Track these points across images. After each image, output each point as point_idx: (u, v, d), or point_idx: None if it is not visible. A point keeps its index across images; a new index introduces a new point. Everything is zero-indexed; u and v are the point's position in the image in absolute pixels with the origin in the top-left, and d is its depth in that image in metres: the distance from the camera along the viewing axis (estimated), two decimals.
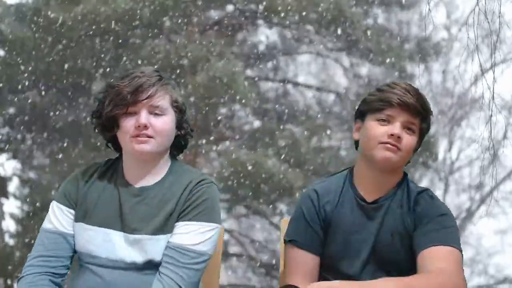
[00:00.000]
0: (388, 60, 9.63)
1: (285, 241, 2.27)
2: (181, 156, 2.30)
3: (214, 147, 9.70)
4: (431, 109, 2.23)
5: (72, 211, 2.16)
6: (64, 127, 9.37)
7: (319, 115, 10.16)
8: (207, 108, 8.93)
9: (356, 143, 2.29)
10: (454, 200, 12.52)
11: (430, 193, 2.27)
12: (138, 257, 2.08)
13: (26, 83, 9.08)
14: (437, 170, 12.57)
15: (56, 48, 8.86)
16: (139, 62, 8.73)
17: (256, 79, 10.28)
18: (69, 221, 2.16)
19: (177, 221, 2.10)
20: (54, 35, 8.80)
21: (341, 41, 9.80)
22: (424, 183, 10.85)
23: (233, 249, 10.81)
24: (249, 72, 10.21)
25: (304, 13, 9.25)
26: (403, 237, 2.19)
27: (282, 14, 9.33)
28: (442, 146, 12.30)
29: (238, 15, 10.18)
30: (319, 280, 2.20)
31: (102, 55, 8.99)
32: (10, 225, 10.08)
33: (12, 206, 10.05)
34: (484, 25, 4.60)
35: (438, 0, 10.98)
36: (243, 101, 9.03)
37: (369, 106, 2.19)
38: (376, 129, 2.14)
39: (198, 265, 2.07)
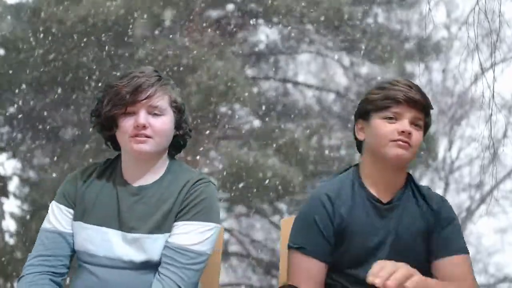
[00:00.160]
0: (388, 59, 9.62)
1: (289, 247, 2.20)
2: (182, 154, 2.30)
3: (214, 147, 9.70)
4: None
5: (71, 211, 2.17)
6: (64, 127, 9.37)
7: (319, 115, 10.15)
8: (206, 108, 8.93)
9: (358, 143, 2.26)
10: (454, 199, 12.51)
11: (433, 191, 2.29)
12: (135, 256, 2.08)
13: (26, 83, 9.08)
14: (437, 169, 12.56)
15: (56, 48, 8.86)
16: (139, 62, 8.72)
17: (256, 78, 10.28)
18: (68, 220, 2.17)
19: (175, 220, 2.10)
20: (54, 34, 8.80)
21: (341, 40, 9.80)
22: (424, 182, 10.82)
23: (233, 248, 10.81)
24: (249, 71, 10.21)
25: (304, 12, 9.25)
26: (424, 236, 2.19)
27: (282, 13, 9.32)
28: (442, 145, 12.29)
29: (238, 14, 10.18)
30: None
31: (102, 55, 8.98)
32: (10, 224, 10.07)
33: (12, 205, 10.05)
34: (484, 24, 4.60)
35: None
36: (243, 100, 9.03)
37: (374, 105, 2.17)
38: (385, 127, 2.13)
39: (197, 266, 2.08)
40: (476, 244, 12.91)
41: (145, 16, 8.77)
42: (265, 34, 10.61)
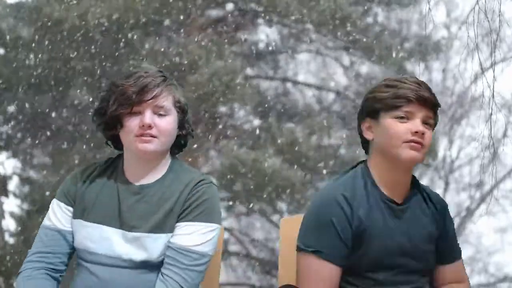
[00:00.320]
0: (388, 59, 9.62)
1: (300, 250, 2.10)
2: (181, 153, 2.31)
3: (214, 146, 9.70)
4: None
5: (71, 209, 2.18)
6: (64, 126, 9.37)
7: (319, 114, 10.15)
8: (206, 107, 8.93)
9: (365, 142, 2.21)
10: (454, 199, 12.51)
11: (433, 191, 2.28)
12: (135, 255, 2.09)
13: (26, 82, 9.08)
14: (437, 169, 12.57)
15: (55, 47, 8.86)
16: (138, 61, 8.72)
17: (256, 77, 10.28)
18: (67, 218, 2.18)
19: (177, 221, 2.10)
20: (54, 34, 8.79)
21: (341, 39, 9.79)
22: (424, 182, 10.79)
23: (233, 247, 10.81)
24: (248, 70, 10.20)
25: (304, 12, 9.24)
26: (433, 238, 2.18)
27: (282, 13, 9.32)
28: (442, 145, 12.30)
29: (238, 13, 10.18)
30: None
31: (102, 55, 8.99)
32: (10, 224, 10.08)
33: (12, 204, 10.05)
34: (484, 23, 4.60)
35: None
36: (243, 99, 9.03)
37: (383, 104, 2.10)
38: (397, 127, 2.07)
39: (200, 267, 2.08)
40: (476, 243, 12.91)
41: (144, 15, 8.77)
42: (265, 34, 10.62)
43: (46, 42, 8.89)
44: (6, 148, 9.90)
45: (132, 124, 2.08)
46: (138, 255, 2.09)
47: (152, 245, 2.08)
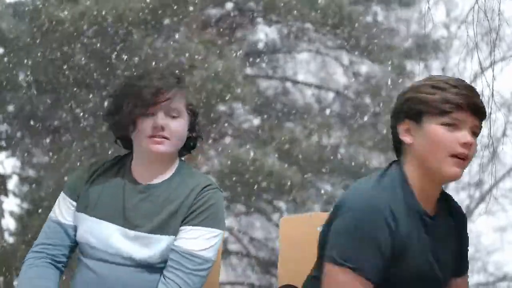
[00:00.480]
0: (387, 58, 9.63)
1: (335, 262, 1.85)
2: (191, 153, 2.33)
3: (213, 145, 9.70)
4: None
5: (74, 203, 2.20)
6: (64, 126, 9.37)
7: (318, 113, 10.15)
8: (206, 107, 8.93)
9: (397, 143, 2.00)
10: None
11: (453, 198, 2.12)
12: (135, 254, 2.10)
13: (26, 81, 9.08)
14: None
15: (55, 47, 8.86)
16: (138, 61, 8.72)
17: (255, 77, 10.28)
18: (70, 212, 2.21)
19: (182, 225, 2.11)
20: (53, 33, 8.79)
21: (341, 39, 9.80)
22: None
23: (233, 247, 10.82)
24: (248, 70, 10.21)
25: (303, 11, 9.25)
26: (456, 251, 2.05)
27: (281, 12, 9.33)
28: None
29: (237, 13, 10.18)
30: None
31: (101, 54, 8.99)
32: (9, 223, 10.08)
33: (11, 204, 10.05)
34: (484, 23, 4.60)
35: None
36: (242, 99, 9.03)
37: (429, 107, 1.89)
38: (443, 136, 1.86)
39: (203, 272, 2.09)
40: (476, 242, 12.91)
41: (144, 14, 8.77)
42: (265, 33, 10.62)
43: (46, 42, 8.89)
44: (5, 147, 9.91)
45: (145, 125, 2.10)
46: (138, 254, 2.09)
47: (154, 246, 2.09)
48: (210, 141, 9.50)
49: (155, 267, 2.10)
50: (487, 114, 1.95)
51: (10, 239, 9.84)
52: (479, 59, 4.76)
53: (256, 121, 10.31)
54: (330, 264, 1.87)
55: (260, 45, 10.58)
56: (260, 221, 10.93)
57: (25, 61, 9.04)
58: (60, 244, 2.19)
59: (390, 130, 2.04)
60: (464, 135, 1.87)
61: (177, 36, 9.41)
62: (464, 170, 1.92)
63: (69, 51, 8.89)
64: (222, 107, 9.80)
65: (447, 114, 1.87)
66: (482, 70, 4.79)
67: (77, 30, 8.74)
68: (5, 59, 9.22)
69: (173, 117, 2.12)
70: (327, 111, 10.30)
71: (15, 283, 9.28)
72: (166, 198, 2.13)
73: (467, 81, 1.99)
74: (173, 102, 2.11)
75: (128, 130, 2.14)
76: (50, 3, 8.95)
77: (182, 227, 2.10)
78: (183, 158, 2.27)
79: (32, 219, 9.01)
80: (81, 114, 9.13)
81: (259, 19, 10.27)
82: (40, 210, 8.77)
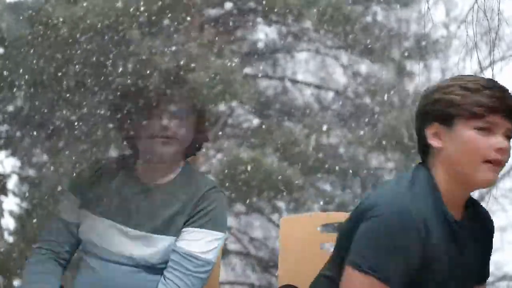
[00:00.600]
0: (387, 58, 9.62)
1: (360, 269, 1.75)
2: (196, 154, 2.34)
3: (212, 145, 9.70)
4: None
5: (78, 201, 2.21)
6: (63, 125, 9.37)
7: (318, 113, 10.15)
8: (205, 106, 8.93)
9: (424, 147, 1.89)
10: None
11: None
12: (136, 253, 2.11)
13: (25, 81, 9.07)
14: None
15: (54, 46, 8.85)
16: (138, 60, 8.71)
17: (255, 76, 10.28)
18: (73, 209, 2.23)
19: (184, 226, 2.11)
20: (53, 33, 8.79)
21: (340, 38, 9.80)
22: None
23: (232, 246, 10.82)
24: (247, 69, 10.21)
25: (303, 11, 9.25)
26: (480, 259, 1.96)
27: (281, 12, 9.32)
28: None
29: (237, 12, 10.18)
30: None
31: (100, 53, 8.97)
32: (9, 222, 10.09)
33: (11, 203, 10.06)
34: (483, 22, 4.60)
35: None
36: (242, 98, 9.03)
37: (461, 109, 1.79)
38: (477, 141, 1.77)
39: (203, 274, 2.10)
40: None
41: (142, 11, 8.76)
42: (264, 33, 10.62)
43: (45, 41, 8.88)
44: (5, 146, 9.90)
45: (149, 125, 2.10)
46: (139, 253, 2.10)
47: (155, 246, 2.10)
48: (209, 140, 9.50)
49: (156, 268, 2.10)
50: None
51: (10, 239, 9.84)
52: (478, 58, 4.76)
53: (255, 121, 10.32)
54: (352, 269, 1.78)
55: (260, 45, 10.58)
56: (259, 220, 10.94)
57: (25, 60, 9.03)
58: (63, 241, 2.22)
59: (415, 132, 1.94)
60: (499, 141, 1.78)
61: (176, 35, 9.41)
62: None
63: (67, 50, 8.87)
64: (221, 107, 9.80)
65: (480, 118, 1.77)
66: (482, 69, 4.79)
67: (76, 29, 8.74)
68: (5, 58, 9.21)
69: (177, 117, 2.13)
70: (327, 111, 10.30)
71: (15, 282, 9.28)
72: (170, 199, 2.13)
73: None
74: (177, 102, 2.12)
75: (132, 131, 2.15)
76: (50, 3, 8.94)
77: (184, 229, 2.10)
78: (187, 160, 2.28)
79: (32, 218, 9.02)
80: (81, 114, 9.11)
81: (259, 19, 10.27)
82: (39, 210, 8.78)
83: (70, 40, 8.78)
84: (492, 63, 4.78)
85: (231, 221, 10.49)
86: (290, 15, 9.42)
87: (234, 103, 9.64)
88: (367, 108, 10.01)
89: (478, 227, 1.96)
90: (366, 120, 9.85)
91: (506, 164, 1.82)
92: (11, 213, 10.08)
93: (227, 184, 8.86)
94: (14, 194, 10.16)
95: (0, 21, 9.45)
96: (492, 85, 1.81)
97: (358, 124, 10.06)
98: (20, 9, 9.52)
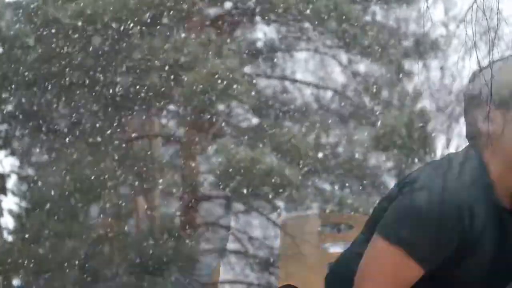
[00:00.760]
0: (386, 57, 9.63)
1: (385, 234, 1.63)
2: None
3: (212, 144, 9.70)
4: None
5: None
6: (63, 125, 9.37)
7: (316, 112, 10.16)
8: (204, 105, 8.94)
9: (474, 133, 1.75)
10: None
11: None
12: None
13: (24, 80, 9.08)
14: None
15: (54, 45, 8.86)
16: (137, 59, 8.73)
17: (254, 76, 10.28)
18: None
19: None
20: (52, 33, 8.79)
21: (339, 38, 9.80)
22: None
23: (231, 245, 10.81)
24: (247, 69, 10.21)
25: (302, 10, 9.26)
26: None
27: (280, 11, 9.33)
28: (440, 143, 12.31)
29: (236, 12, 10.18)
30: None
31: (100, 52, 8.98)
32: (8, 222, 10.10)
33: (10, 202, 10.07)
34: (482, 21, 4.60)
35: None
36: (241, 98, 9.03)
37: None
38: None
39: None
40: None
41: (143, 11, 8.77)
42: (263, 32, 10.62)
43: (45, 40, 8.88)
44: (4, 146, 9.91)
45: None
46: None
47: None
48: (208, 140, 9.50)
49: None
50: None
51: (9, 238, 9.85)
52: (477, 58, 4.76)
53: (255, 120, 10.32)
54: (381, 239, 1.65)
55: (259, 44, 10.59)
56: (259, 220, 10.94)
57: (24, 59, 9.03)
58: None
59: (464, 117, 1.78)
60: None
61: (176, 34, 9.41)
62: None
63: (67, 49, 8.88)
64: (220, 106, 9.80)
65: None
66: (481, 69, 4.80)
67: (75, 28, 8.74)
68: (4, 57, 9.21)
69: None
70: (326, 110, 10.30)
71: (14, 282, 9.28)
72: None
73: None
74: None
75: None
76: (48, 2, 8.94)
77: None
78: None
79: (31, 218, 9.02)
80: (81, 113, 9.12)
81: (258, 18, 10.27)
82: (38, 209, 8.78)
83: (70, 39, 8.78)
84: (491, 63, 4.80)
85: (230, 220, 10.50)
86: (289, 14, 9.43)
87: (233, 102, 9.64)
88: (366, 107, 10.02)
89: None
90: (365, 119, 9.86)
91: None
92: (10, 212, 10.09)
93: (226, 183, 8.86)
94: (13, 193, 10.17)
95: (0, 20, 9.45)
96: None
97: (357, 123, 10.08)
98: (19, 8, 9.53)
